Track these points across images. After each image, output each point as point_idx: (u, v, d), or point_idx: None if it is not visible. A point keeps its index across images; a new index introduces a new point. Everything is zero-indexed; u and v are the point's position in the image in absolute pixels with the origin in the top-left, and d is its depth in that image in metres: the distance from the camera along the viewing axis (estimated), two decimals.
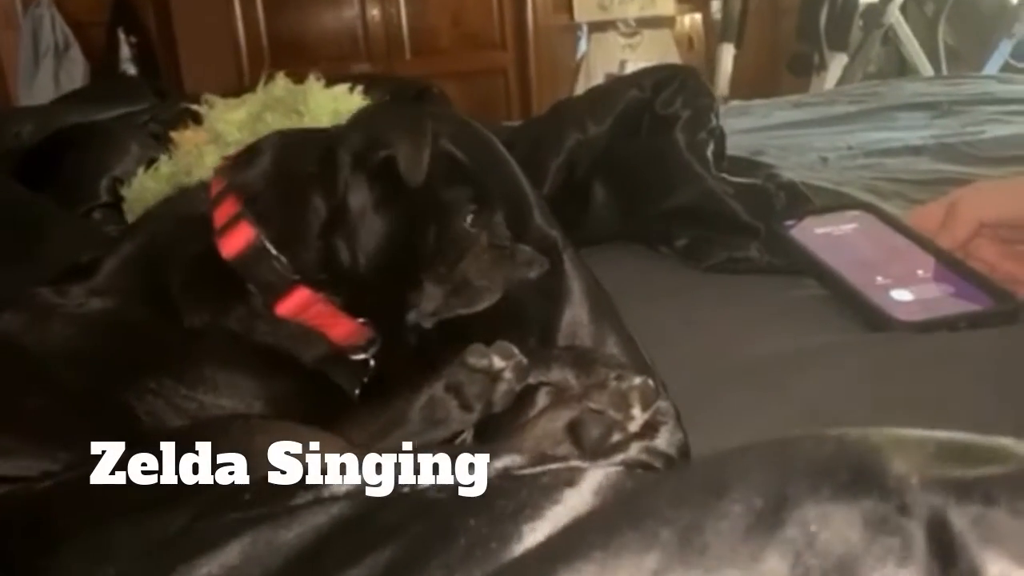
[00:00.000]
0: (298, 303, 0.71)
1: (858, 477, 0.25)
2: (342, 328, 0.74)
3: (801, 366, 0.78)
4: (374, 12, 4.36)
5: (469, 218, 0.76)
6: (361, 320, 0.75)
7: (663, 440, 0.54)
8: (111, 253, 0.72)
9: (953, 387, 0.73)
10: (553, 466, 0.42)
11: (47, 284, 0.69)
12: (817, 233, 0.98)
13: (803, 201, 1.09)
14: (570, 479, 0.37)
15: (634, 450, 0.48)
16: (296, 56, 4.15)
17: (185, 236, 0.72)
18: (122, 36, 4.35)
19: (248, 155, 0.75)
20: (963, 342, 0.80)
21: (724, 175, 1.09)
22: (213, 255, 0.70)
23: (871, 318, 0.83)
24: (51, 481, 0.56)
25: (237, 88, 1.20)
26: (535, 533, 0.33)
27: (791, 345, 0.82)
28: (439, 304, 0.76)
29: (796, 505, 0.24)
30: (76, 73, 4.26)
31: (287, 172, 0.73)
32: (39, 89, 4.08)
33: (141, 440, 0.60)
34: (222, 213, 0.72)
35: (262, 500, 0.41)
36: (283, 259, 0.70)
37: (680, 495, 0.26)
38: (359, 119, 0.75)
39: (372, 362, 0.77)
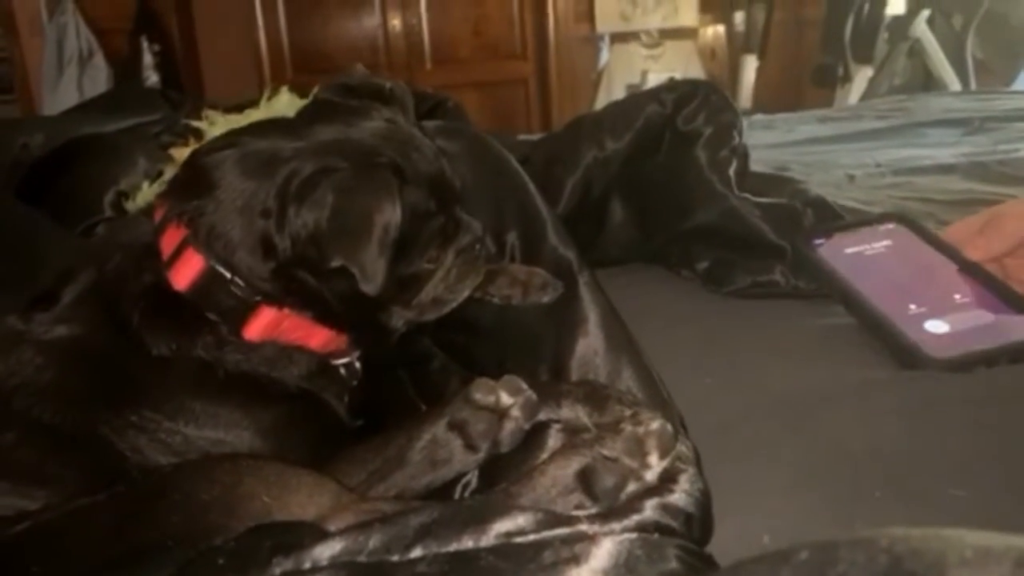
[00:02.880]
0: (267, 323, 0.67)
1: None
2: (320, 336, 0.70)
3: (831, 402, 0.74)
4: (395, 21, 4.35)
5: (433, 253, 0.72)
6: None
7: (682, 493, 0.50)
8: (68, 284, 0.68)
9: (993, 430, 0.68)
10: (560, 532, 0.38)
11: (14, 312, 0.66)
12: (847, 253, 0.93)
13: (833, 218, 1.04)
14: (576, 555, 0.33)
15: (649, 510, 0.44)
16: (317, 65, 4.16)
17: (134, 268, 0.68)
18: (145, 44, 4.37)
19: (190, 176, 0.69)
20: (1003, 379, 0.75)
21: (747, 195, 1.04)
22: (166, 286, 0.66)
23: (903, 355, 0.78)
24: (27, 523, 0.53)
25: (248, 100, 1.17)
26: None
27: (820, 378, 0.78)
28: (410, 319, 0.75)
29: None
30: (99, 80, 4.28)
31: (234, 195, 0.66)
32: (63, 96, 4.10)
33: (122, 478, 0.58)
34: (168, 242, 0.67)
35: (237, 566, 0.37)
36: (239, 281, 0.66)
37: None
38: (320, 145, 0.67)
39: (358, 364, 0.74)
